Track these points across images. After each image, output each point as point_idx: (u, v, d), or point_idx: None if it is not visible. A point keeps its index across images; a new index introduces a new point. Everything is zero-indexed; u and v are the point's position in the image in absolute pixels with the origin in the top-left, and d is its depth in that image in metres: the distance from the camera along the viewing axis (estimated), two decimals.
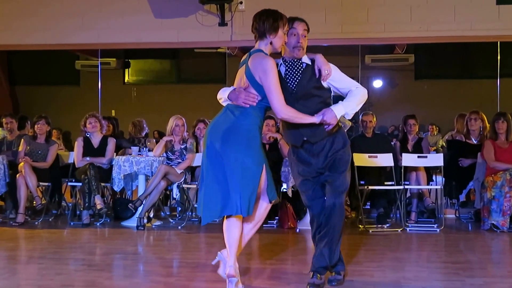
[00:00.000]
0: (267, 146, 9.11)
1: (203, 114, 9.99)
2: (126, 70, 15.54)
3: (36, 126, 9.54)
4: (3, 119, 10.22)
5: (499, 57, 11.68)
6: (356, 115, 12.83)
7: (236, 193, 4.70)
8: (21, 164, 9.13)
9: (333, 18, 10.91)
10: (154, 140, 10.58)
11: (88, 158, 9.18)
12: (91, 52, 13.45)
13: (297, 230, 8.55)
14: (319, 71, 5.04)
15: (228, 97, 4.84)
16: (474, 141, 9.40)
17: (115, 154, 9.42)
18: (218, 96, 5.02)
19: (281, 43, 4.91)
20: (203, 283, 5.38)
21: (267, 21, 4.81)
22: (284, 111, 4.76)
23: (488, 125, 9.33)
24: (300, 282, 5.45)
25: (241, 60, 5.00)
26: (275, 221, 8.90)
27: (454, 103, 13.46)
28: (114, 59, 14.40)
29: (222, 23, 10.86)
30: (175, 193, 9.23)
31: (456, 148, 9.48)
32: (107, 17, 11.31)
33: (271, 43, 4.85)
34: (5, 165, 9.31)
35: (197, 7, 10.84)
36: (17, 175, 9.12)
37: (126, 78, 15.60)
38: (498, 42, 11.41)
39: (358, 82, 11.96)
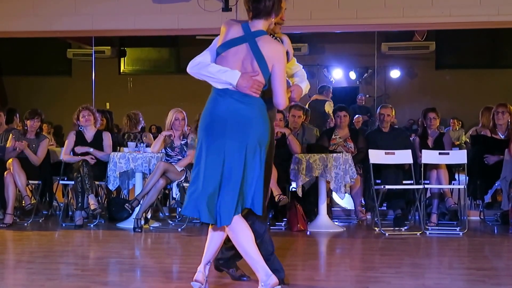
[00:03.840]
0: (274, 142, 9.08)
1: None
2: (122, 59, 15.58)
3: (28, 122, 9.55)
4: None
5: None
6: (373, 108, 12.87)
7: (253, 190, 4.71)
8: (10, 161, 9.16)
9: (347, 2, 10.87)
10: (151, 135, 10.59)
11: (90, 149, 9.20)
12: (84, 40, 13.46)
13: (308, 233, 8.56)
14: (287, 53, 5.04)
15: (237, 84, 4.66)
16: (501, 136, 9.38)
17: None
18: (215, 76, 4.72)
19: (277, 19, 4.90)
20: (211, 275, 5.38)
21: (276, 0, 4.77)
22: (285, 104, 4.81)
23: None
24: None
25: (229, 33, 4.78)
26: (284, 223, 8.91)
27: (478, 95, 13.45)
28: (109, 47, 14.43)
29: (226, 8, 10.84)
30: (175, 192, 9.24)
31: (481, 144, 9.46)
32: (102, 1, 11.29)
33: (273, 23, 4.84)
34: None
35: None
36: (5, 173, 9.17)
37: (122, 68, 15.65)
38: None
39: (374, 72, 11.98)
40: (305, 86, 5.21)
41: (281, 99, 4.77)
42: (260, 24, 4.77)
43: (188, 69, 4.83)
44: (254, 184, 4.69)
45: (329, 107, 11.54)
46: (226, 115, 4.67)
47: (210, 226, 4.88)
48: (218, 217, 4.67)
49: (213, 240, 4.95)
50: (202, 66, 4.75)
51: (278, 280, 4.76)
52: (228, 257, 5.44)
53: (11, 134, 9.58)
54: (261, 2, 4.73)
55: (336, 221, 9.24)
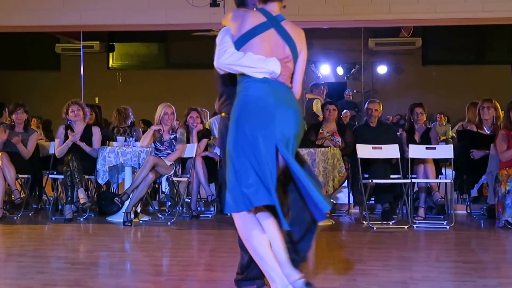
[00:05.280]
0: None
1: (194, 101, 10.02)
2: (111, 54, 15.56)
3: (13, 115, 9.54)
4: None
5: None
6: (360, 103, 12.91)
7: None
8: None
9: None
10: (141, 130, 10.58)
11: (75, 136, 9.20)
12: (72, 35, 13.43)
13: None
14: None
15: (280, 73, 4.36)
16: (487, 132, 9.40)
17: None
18: (255, 66, 4.32)
19: None
20: (195, 283, 5.40)
21: None
22: (301, 93, 4.62)
23: (502, 114, 9.35)
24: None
25: (249, 21, 4.41)
26: None
27: (464, 91, 13.52)
28: (98, 42, 14.42)
29: (214, 4, 10.83)
30: (164, 186, 9.23)
31: (468, 139, 9.48)
32: None
33: (284, 6, 4.59)
34: None
35: None
36: None
37: (111, 63, 15.63)
38: None
39: (361, 67, 11.99)
40: None
41: (300, 88, 4.58)
42: (276, 8, 4.48)
43: (221, 61, 4.33)
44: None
45: (316, 106, 11.47)
46: (271, 104, 4.27)
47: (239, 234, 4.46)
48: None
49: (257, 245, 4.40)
50: (239, 56, 4.31)
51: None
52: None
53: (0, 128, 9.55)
54: None
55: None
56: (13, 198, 9.24)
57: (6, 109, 10.38)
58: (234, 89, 4.53)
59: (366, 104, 9.68)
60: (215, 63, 4.36)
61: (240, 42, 4.36)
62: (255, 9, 4.53)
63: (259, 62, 4.29)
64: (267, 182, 4.14)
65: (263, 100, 4.28)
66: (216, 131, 9.81)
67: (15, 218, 9.16)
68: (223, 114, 4.86)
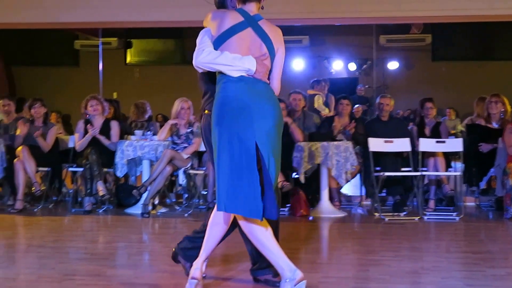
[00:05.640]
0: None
1: None
2: (128, 50, 15.57)
3: (32, 110, 9.58)
4: (0, 102, 10.28)
5: None
6: (372, 98, 12.87)
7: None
8: (19, 148, 9.17)
9: None
10: (158, 124, 10.59)
11: (95, 130, 9.22)
12: (91, 31, 13.45)
13: (310, 218, 8.57)
14: None
15: (256, 70, 4.40)
16: (495, 126, 9.38)
17: None
18: (232, 64, 4.37)
19: None
20: (212, 273, 5.38)
21: None
22: (279, 89, 4.65)
23: (509, 108, 9.34)
24: (314, 272, 5.47)
25: (227, 21, 4.46)
26: (287, 209, 8.92)
27: (473, 86, 13.46)
28: (115, 39, 14.43)
29: None
30: (181, 179, 9.26)
31: (476, 133, 9.46)
32: None
33: (262, 7, 4.64)
34: (2, 150, 9.38)
35: None
36: (15, 160, 9.19)
37: (128, 59, 15.64)
38: None
39: (372, 63, 11.93)
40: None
41: (279, 84, 4.62)
42: (254, 8, 4.54)
43: (199, 60, 4.40)
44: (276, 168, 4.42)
45: (318, 102, 11.41)
46: (248, 102, 4.35)
47: (210, 219, 4.63)
48: (260, 210, 4.26)
49: (213, 234, 4.65)
50: (216, 55, 4.36)
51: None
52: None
53: (19, 122, 9.58)
54: None
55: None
56: (33, 191, 9.28)
57: (26, 104, 10.41)
58: (215, 87, 4.58)
59: (378, 99, 9.64)
60: (194, 62, 4.43)
61: (219, 41, 4.42)
62: (235, 9, 4.58)
63: (235, 60, 4.35)
64: (240, 187, 4.26)
65: (239, 101, 4.35)
66: None
67: (35, 210, 9.21)
68: (206, 111, 4.88)
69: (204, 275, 4.73)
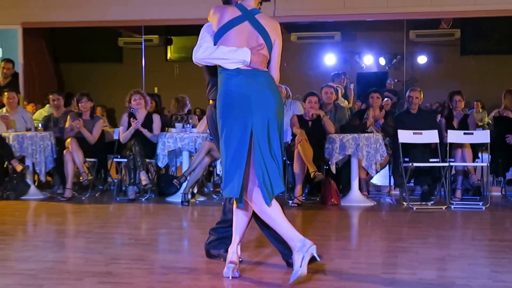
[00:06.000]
0: (309, 123, 9.13)
1: None
2: (169, 47, 15.62)
3: (79, 104, 9.71)
4: (50, 96, 10.43)
5: None
6: (401, 92, 12.82)
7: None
8: (68, 140, 9.30)
9: None
10: (197, 117, 10.65)
11: (138, 123, 9.32)
12: (134, 29, 13.55)
13: (341, 207, 8.58)
14: None
15: (251, 61, 4.51)
16: None
17: None
18: (228, 57, 4.50)
19: None
20: (246, 257, 5.45)
21: None
22: (278, 78, 4.75)
23: None
24: (345, 258, 5.51)
25: (226, 15, 4.59)
26: (318, 198, 8.95)
27: (501, 79, 13.29)
28: (157, 36, 14.51)
29: None
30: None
31: (503, 125, 9.41)
32: None
33: (260, 2, 4.78)
34: (52, 142, 9.53)
35: None
36: (64, 151, 9.30)
37: (169, 55, 15.70)
38: None
39: (403, 58, 11.89)
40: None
41: (277, 73, 4.72)
42: (252, 3, 4.67)
43: (197, 56, 4.59)
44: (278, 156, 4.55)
45: (341, 94, 11.36)
46: (247, 91, 4.49)
47: (235, 206, 4.69)
48: (266, 191, 4.45)
49: (240, 219, 4.76)
50: (212, 50, 4.52)
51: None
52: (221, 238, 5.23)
53: (68, 116, 9.72)
54: None
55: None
56: (81, 180, 9.41)
57: (74, 99, 10.54)
58: (216, 78, 4.72)
59: (408, 92, 9.60)
60: (193, 58, 4.61)
61: (219, 34, 4.57)
62: (234, 5, 4.70)
63: (230, 53, 4.49)
64: (239, 173, 4.42)
65: (239, 94, 4.50)
66: None
67: (83, 198, 9.34)
68: (210, 101, 5.01)
69: (240, 259, 4.81)
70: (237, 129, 4.47)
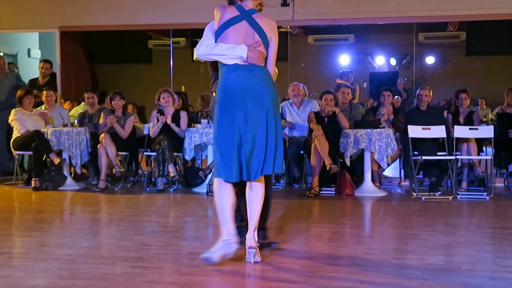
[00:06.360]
0: (325, 119, 9.12)
1: None
2: (194, 49, 15.61)
3: (113, 102, 9.75)
4: (85, 94, 10.47)
5: None
6: (411, 90, 12.75)
7: (273, 154, 4.65)
8: (102, 135, 9.34)
9: None
10: None
11: (164, 118, 9.33)
12: (162, 32, 13.56)
13: (355, 197, 8.56)
14: None
15: (247, 56, 4.58)
16: None
17: None
18: (226, 53, 4.59)
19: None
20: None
21: None
22: (274, 72, 4.80)
23: None
24: (358, 244, 5.50)
25: (225, 15, 4.66)
26: (334, 189, 8.93)
27: (504, 78, 13.18)
28: (184, 39, 14.50)
29: (284, 4, 10.83)
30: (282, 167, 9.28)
31: (506, 121, 9.36)
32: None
33: (260, 3, 4.82)
34: (87, 136, 9.57)
35: None
36: (98, 145, 9.35)
37: (194, 57, 15.68)
38: None
39: (412, 59, 11.83)
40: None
41: (274, 67, 4.77)
42: (250, 3, 4.72)
43: (198, 52, 4.70)
44: (276, 146, 4.65)
45: None
46: (243, 86, 4.59)
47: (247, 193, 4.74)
48: (246, 174, 4.59)
49: (247, 205, 4.80)
50: (212, 47, 4.63)
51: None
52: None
53: (102, 113, 9.76)
54: None
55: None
56: (114, 172, 9.43)
57: (108, 97, 10.59)
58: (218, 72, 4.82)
59: (418, 90, 9.56)
60: (195, 54, 4.74)
61: (219, 32, 4.65)
62: (234, 5, 4.75)
63: (228, 50, 4.58)
64: (233, 159, 4.53)
65: (236, 88, 4.59)
66: (286, 115, 9.84)
67: (116, 189, 9.37)
68: (213, 93, 5.08)
69: (258, 244, 4.82)
70: (231, 119, 4.57)
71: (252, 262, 4.68)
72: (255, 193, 4.72)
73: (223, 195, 4.65)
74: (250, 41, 4.63)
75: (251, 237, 4.72)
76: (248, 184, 4.73)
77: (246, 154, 4.56)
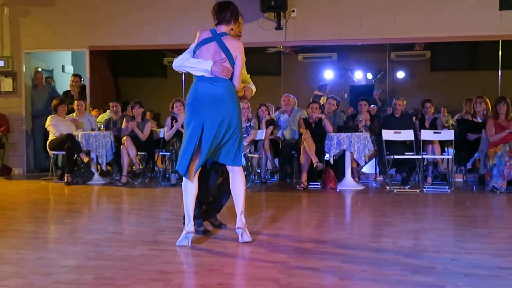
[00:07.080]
0: (313, 124, 9.11)
1: (263, 99, 10.02)
2: None
3: (133, 110, 9.74)
4: (110, 103, 10.46)
5: (500, 53, 11.40)
6: (385, 100, 12.74)
7: (236, 149, 4.78)
8: (124, 138, 9.34)
9: (366, 22, 10.79)
10: None
11: (178, 124, 9.27)
12: (176, 51, 13.52)
13: (337, 190, 8.55)
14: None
15: (211, 70, 4.63)
16: (479, 120, 9.25)
17: None
18: (194, 66, 4.68)
19: (236, 31, 4.94)
20: (264, 229, 5.42)
21: (234, 11, 4.81)
22: (239, 87, 4.81)
23: (490, 107, 9.19)
24: (341, 230, 5.49)
25: (202, 37, 4.74)
26: (319, 183, 8.90)
27: (462, 90, 13.17)
28: None
29: (278, 27, 10.81)
30: (242, 160, 9.25)
31: (465, 126, 9.34)
32: (188, 23, 11.33)
33: (232, 29, 4.83)
34: (111, 139, 9.55)
35: (258, 14, 10.79)
36: (121, 147, 9.35)
37: None
38: (500, 41, 11.12)
39: (386, 74, 11.81)
40: (253, 89, 5.15)
41: (238, 83, 4.77)
42: (223, 28, 4.77)
43: (174, 64, 4.82)
44: (236, 144, 4.76)
45: (322, 101, 11.29)
46: (203, 95, 4.65)
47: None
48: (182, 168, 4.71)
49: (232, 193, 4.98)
50: (184, 60, 4.73)
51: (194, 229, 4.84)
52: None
53: (124, 119, 9.75)
54: (222, 13, 4.78)
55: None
56: (134, 169, 9.43)
57: (129, 105, 10.57)
58: None
59: (394, 100, 9.62)
60: (172, 65, 4.83)
61: (195, 49, 4.74)
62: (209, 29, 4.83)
63: (197, 64, 4.66)
64: (186, 155, 4.63)
65: (199, 97, 4.66)
66: (280, 122, 9.84)
67: (135, 183, 9.35)
68: None
69: (245, 225, 4.87)
70: (193, 123, 4.64)
71: (240, 241, 4.77)
72: (235, 181, 4.89)
73: (186, 187, 4.78)
74: (217, 58, 4.67)
75: (238, 219, 4.82)
76: (230, 175, 4.89)
77: (208, 148, 4.63)
